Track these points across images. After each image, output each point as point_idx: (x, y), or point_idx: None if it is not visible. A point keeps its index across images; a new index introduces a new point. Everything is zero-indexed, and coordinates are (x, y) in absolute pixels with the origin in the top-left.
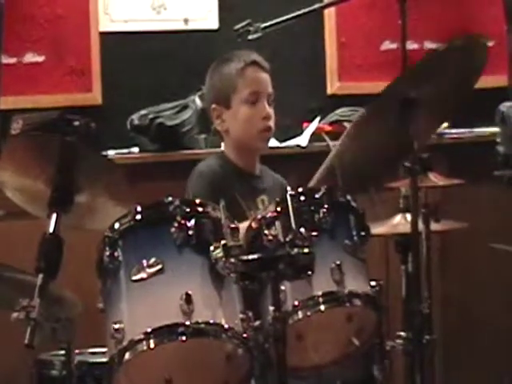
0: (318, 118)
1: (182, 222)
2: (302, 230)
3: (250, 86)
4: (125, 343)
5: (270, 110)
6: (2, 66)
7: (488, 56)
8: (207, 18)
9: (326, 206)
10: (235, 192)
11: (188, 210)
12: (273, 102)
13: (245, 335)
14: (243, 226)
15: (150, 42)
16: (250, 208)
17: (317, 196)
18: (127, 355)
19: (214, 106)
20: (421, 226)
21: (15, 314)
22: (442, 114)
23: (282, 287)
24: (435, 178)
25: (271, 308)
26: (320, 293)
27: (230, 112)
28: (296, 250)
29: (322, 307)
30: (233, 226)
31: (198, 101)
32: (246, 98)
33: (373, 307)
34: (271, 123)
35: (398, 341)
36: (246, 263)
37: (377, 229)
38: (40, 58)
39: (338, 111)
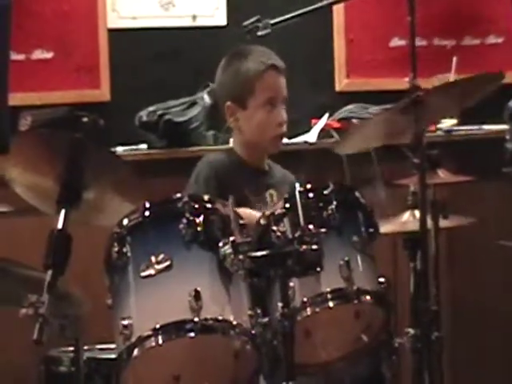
0: (326, 115)
1: (191, 218)
2: (311, 226)
3: (269, 92)
4: (133, 339)
5: (285, 115)
6: (10, 63)
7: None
8: (215, 14)
9: (334, 202)
10: (244, 187)
11: (196, 206)
12: (286, 104)
13: (253, 332)
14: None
15: (158, 38)
16: (258, 203)
17: (325, 192)
18: (136, 351)
19: (228, 103)
20: (429, 223)
21: (24, 310)
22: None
23: (291, 284)
24: (444, 175)
25: (279, 304)
26: (328, 289)
27: (245, 113)
28: (304, 246)
29: (331, 304)
30: (241, 222)
31: (206, 97)
32: (264, 103)
33: (381, 304)
34: (285, 128)
35: (406, 338)
36: (254, 260)
37: (385, 226)
38: (48, 55)
39: (347, 108)
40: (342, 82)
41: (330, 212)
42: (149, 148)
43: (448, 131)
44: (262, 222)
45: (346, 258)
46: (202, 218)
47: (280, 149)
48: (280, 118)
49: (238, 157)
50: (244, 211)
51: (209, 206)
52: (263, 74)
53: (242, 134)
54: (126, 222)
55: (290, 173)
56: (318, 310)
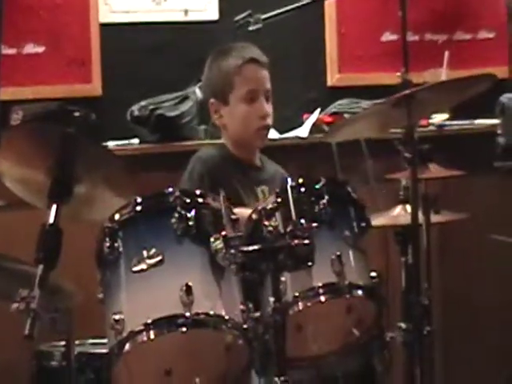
0: (318, 110)
1: (182, 212)
2: (302, 221)
3: (248, 84)
4: (125, 334)
5: (268, 107)
6: (1, 57)
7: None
8: (207, 9)
9: (326, 197)
10: (235, 182)
11: (188, 200)
12: (271, 98)
13: (245, 326)
14: (243, 211)
15: (150, 32)
16: (250, 198)
17: (317, 187)
18: (127, 346)
19: (212, 100)
20: (421, 217)
21: (15, 305)
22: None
23: (282, 278)
24: (435, 170)
25: (271, 299)
26: (320, 284)
27: (227, 108)
28: (296, 241)
29: (322, 298)
30: (233, 216)
31: (198, 92)
32: (244, 97)
33: (373, 298)
34: (269, 121)
35: (398, 332)
36: (245, 254)
37: (377, 220)
38: (40, 49)
39: (338, 103)
40: (333, 77)
41: (321, 206)
42: (140, 142)
43: (440, 126)
44: (254, 216)
45: (338, 253)
46: (193, 213)
47: (266, 142)
48: (262, 111)
49: (230, 153)
50: (240, 211)
51: (200, 200)
52: (242, 68)
53: (226, 130)
54: (117, 216)
55: (282, 168)
56: (309, 304)
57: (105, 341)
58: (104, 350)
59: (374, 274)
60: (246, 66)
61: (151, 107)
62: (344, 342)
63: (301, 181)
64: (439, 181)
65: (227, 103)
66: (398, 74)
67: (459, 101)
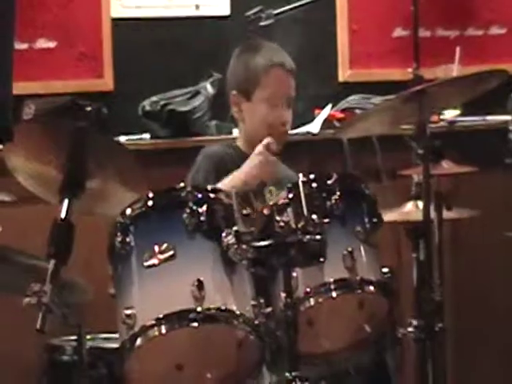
0: (329, 105)
1: (194, 208)
2: (314, 216)
3: (273, 87)
4: (136, 329)
5: (288, 115)
6: (13, 52)
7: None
8: (219, 4)
9: (337, 192)
10: None
11: (200, 196)
12: (292, 105)
13: (256, 322)
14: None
15: (162, 28)
16: (256, 198)
17: (329, 182)
18: (139, 341)
19: (234, 92)
20: (433, 213)
21: (27, 299)
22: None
23: (294, 274)
24: (447, 166)
25: (283, 294)
26: (332, 279)
27: (249, 104)
28: (308, 236)
29: (334, 294)
30: (245, 212)
31: (209, 87)
32: (267, 98)
33: (384, 294)
34: (287, 128)
35: (410, 328)
36: (257, 249)
37: (388, 216)
38: (52, 44)
39: (350, 98)
40: (345, 73)
41: (333, 202)
42: (152, 138)
43: (451, 122)
44: (266, 211)
45: (350, 248)
46: (205, 208)
47: (279, 147)
48: (282, 117)
49: (240, 150)
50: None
51: (212, 195)
52: (270, 70)
53: (244, 125)
54: (129, 211)
55: (294, 166)
56: (321, 300)
57: (116, 335)
58: (115, 345)
59: (385, 269)
60: (275, 68)
61: (162, 102)
62: (356, 338)
63: (312, 176)
64: (451, 177)
65: (249, 99)
66: (410, 69)
67: (471, 97)
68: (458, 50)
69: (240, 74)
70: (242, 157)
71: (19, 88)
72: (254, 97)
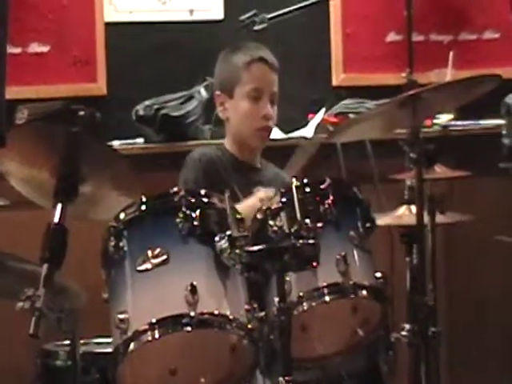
0: (323, 110)
1: (187, 212)
2: (307, 221)
3: (254, 82)
4: (129, 333)
5: (271, 110)
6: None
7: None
8: (212, 8)
9: (331, 197)
10: (232, 182)
11: (193, 200)
12: (276, 101)
13: (249, 326)
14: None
15: (155, 32)
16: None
17: (322, 187)
18: (132, 346)
19: (218, 92)
20: (426, 218)
21: (20, 304)
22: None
23: (287, 278)
24: (440, 170)
25: (276, 299)
26: (325, 284)
27: (232, 102)
28: (301, 241)
29: (327, 298)
30: (238, 216)
31: (203, 91)
32: (248, 93)
33: (378, 298)
34: (270, 123)
35: (403, 332)
36: (250, 254)
37: (381, 220)
38: (45, 48)
39: (343, 103)
40: (338, 77)
41: (326, 206)
42: (145, 142)
43: (445, 126)
44: (259, 216)
45: (343, 253)
46: (198, 212)
47: (265, 144)
48: (265, 111)
49: (229, 152)
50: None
51: (205, 200)
52: (251, 65)
53: (229, 124)
54: (122, 215)
55: (285, 173)
56: (314, 304)
57: (110, 340)
58: (109, 350)
59: (379, 274)
60: (256, 63)
61: (156, 107)
62: (349, 343)
63: (306, 181)
64: (444, 181)
65: (232, 97)
66: (403, 74)
67: (464, 101)
68: (451, 54)
69: (222, 72)
70: (232, 159)
71: (12, 93)
72: (236, 93)
